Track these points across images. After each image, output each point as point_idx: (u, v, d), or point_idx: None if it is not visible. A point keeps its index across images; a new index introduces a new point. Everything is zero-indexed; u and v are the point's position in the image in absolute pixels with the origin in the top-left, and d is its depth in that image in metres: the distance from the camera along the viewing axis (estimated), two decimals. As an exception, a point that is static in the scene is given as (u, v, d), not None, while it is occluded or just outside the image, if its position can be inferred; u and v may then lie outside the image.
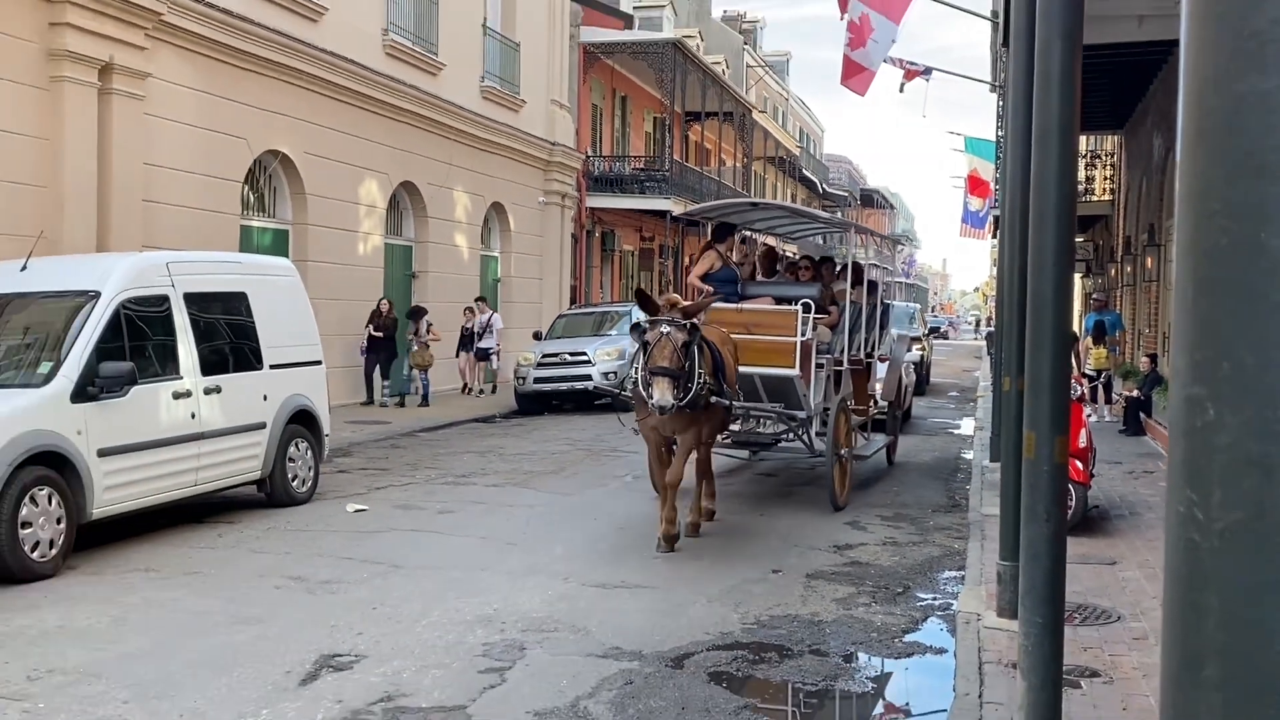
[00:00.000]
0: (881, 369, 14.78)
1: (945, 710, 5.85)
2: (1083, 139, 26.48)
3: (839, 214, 61.39)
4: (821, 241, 21.89)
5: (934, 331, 31.98)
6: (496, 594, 7.86)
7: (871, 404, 14.15)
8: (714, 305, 11.00)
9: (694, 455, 10.17)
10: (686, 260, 26.63)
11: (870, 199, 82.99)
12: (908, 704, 6.38)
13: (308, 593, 7.98)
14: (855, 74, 19.06)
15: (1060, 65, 4.09)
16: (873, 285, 14.20)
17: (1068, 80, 4.09)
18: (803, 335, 10.91)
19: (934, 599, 8.35)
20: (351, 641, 6.86)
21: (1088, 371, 18.95)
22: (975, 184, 38.13)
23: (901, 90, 24.79)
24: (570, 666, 6.49)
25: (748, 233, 14.51)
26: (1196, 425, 0.96)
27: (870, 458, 13.49)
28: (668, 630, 7.23)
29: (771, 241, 16.09)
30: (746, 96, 43.36)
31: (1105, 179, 27.85)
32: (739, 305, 11.59)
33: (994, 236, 29.73)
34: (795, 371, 10.84)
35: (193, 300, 10.25)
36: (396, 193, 21.27)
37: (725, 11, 56.91)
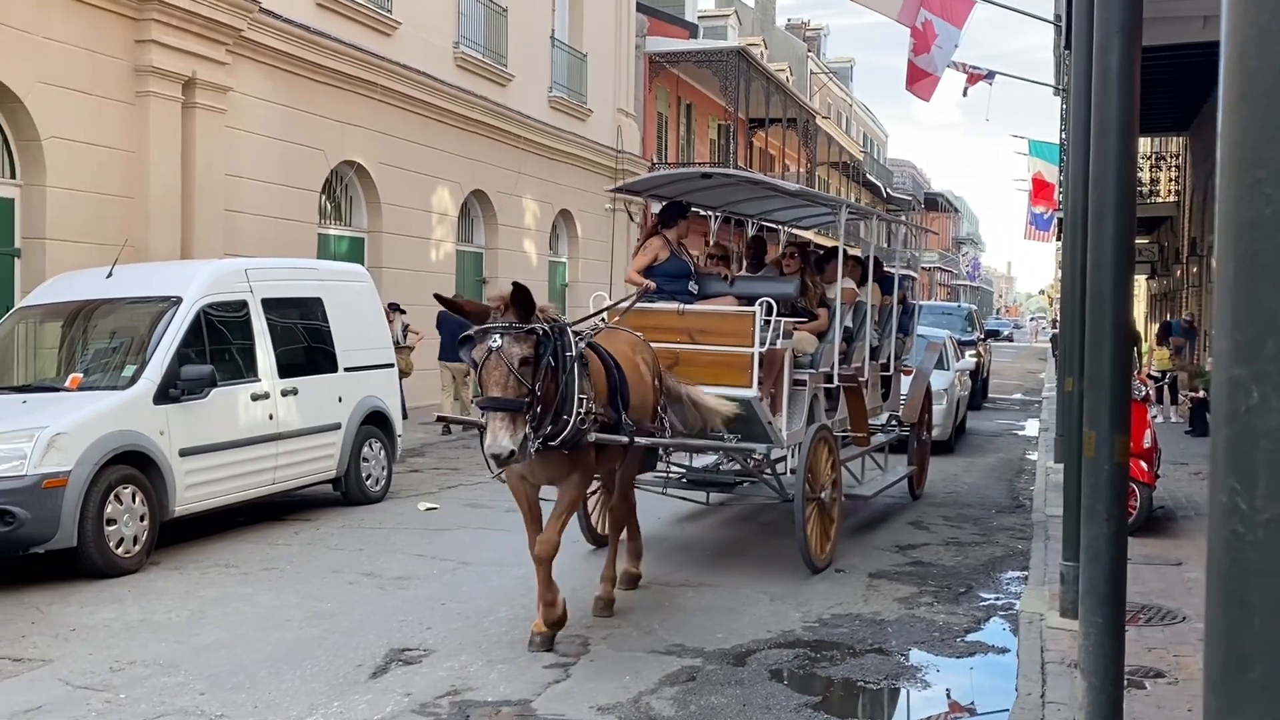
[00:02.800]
0: (904, 383, 12.27)
1: (1007, 710, 5.73)
2: (1147, 141, 25.92)
3: (903, 217, 60.49)
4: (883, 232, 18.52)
5: (993, 335, 30.66)
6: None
7: (892, 424, 11.75)
8: (649, 307, 8.67)
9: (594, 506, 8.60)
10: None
11: (934, 203, 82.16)
12: (971, 703, 6.26)
13: (379, 589, 8.02)
14: (920, 79, 18.87)
15: (1119, 63, 3.99)
16: (887, 281, 11.52)
17: (1126, 78, 3.99)
18: (762, 344, 8.19)
19: (997, 599, 8.21)
20: (420, 636, 6.89)
21: (1152, 373, 18.56)
22: (1039, 187, 37.55)
23: (965, 94, 24.47)
24: (633, 663, 6.46)
25: (721, 216, 11.37)
26: (1239, 409, 0.89)
27: (875, 497, 10.56)
28: (729, 628, 7.17)
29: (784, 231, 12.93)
30: (810, 103, 43.09)
31: (1170, 180, 27.28)
32: (679, 307, 8.57)
33: (1058, 239, 29.22)
34: (752, 392, 8.12)
35: (270, 305, 10.37)
36: (467, 200, 21.41)
37: (789, 20, 56.68)
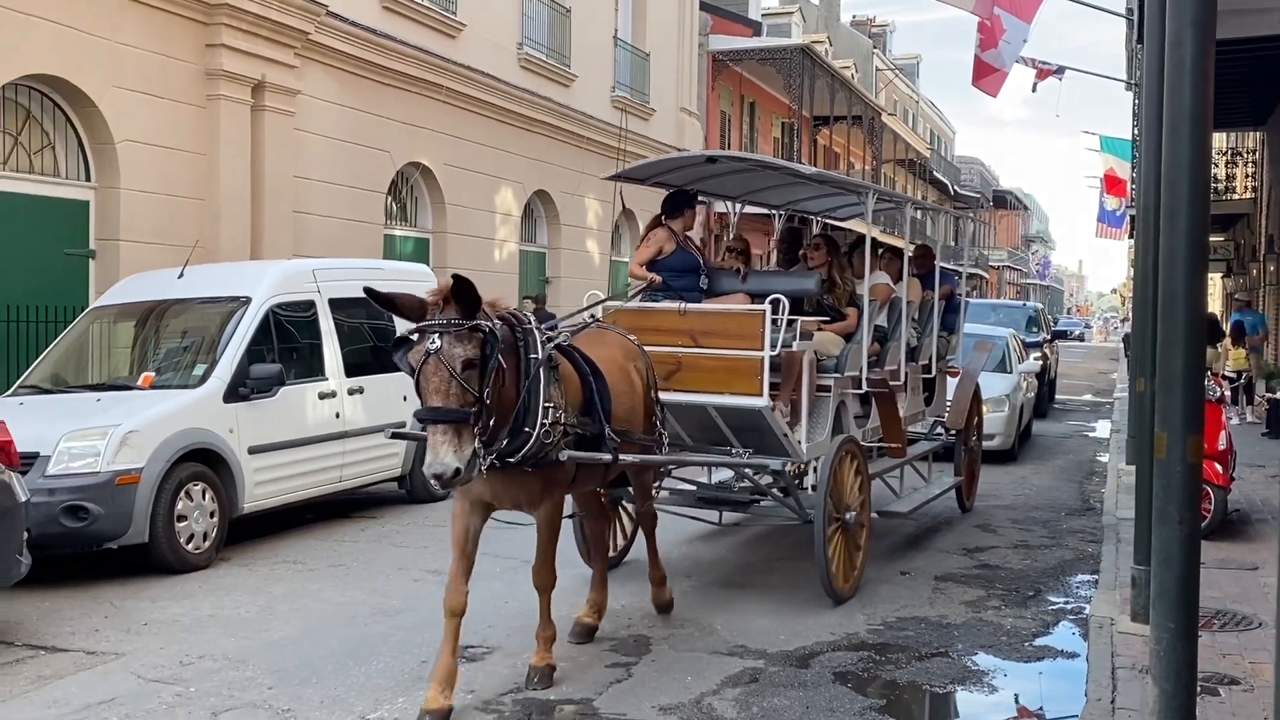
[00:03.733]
0: (951, 386, 11.32)
1: (1076, 715, 5.65)
2: (1223, 137, 25.35)
3: (971, 214, 59.62)
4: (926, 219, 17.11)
5: (1061, 336, 29.83)
6: (624, 590, 7.86)
7: (938, 430, 10.98)
8: (648, 307, 7.87)
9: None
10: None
11: (1003, 200, 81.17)
12: (1040, 708, 6.18)
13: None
14: (987, 74, 18.68)
15: (1192, 56, 3.92)
16: (929, 275, 10.53)
17: (1199, 71, 3.92)
18: (773, 347, 7.23)
19: (1066, 603, 8.09)
20: (484, 634, 6.93)
21: (1227, 373, 18.16)
22: (1112, 183, 36.92)
23: (1034, 90, 24.19)
24: (695, 663, 6.45)
25: (742, 208, 10.34)
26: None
27: (913, 513, 9.56)
28: (792, 630, 7.14)
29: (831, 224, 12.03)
30: (876, 100, 42.74)
31: (1247, 177, 26.71)
32: (681, 306, 7.61)
33: (1130, 236, 28.70)
34: (762, 401, 7.19)
35: (337, 305, 10.50)
36: (531, 201, 21.50)
37: (854, 16, 56.25)
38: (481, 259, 19.43)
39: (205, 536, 8.79)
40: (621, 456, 6.16)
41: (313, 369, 10.11)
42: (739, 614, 7.45)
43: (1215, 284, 37.27)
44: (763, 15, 38.95)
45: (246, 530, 9.60)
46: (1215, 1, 3.96)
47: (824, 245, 8.85)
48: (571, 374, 5.95)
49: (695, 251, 8.39)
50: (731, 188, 9.82)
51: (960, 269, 12.92)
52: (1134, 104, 21.17)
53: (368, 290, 5.17)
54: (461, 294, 4.99)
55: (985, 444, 14.16)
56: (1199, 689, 4.00)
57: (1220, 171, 25.86)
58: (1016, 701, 6.18)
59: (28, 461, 7.71)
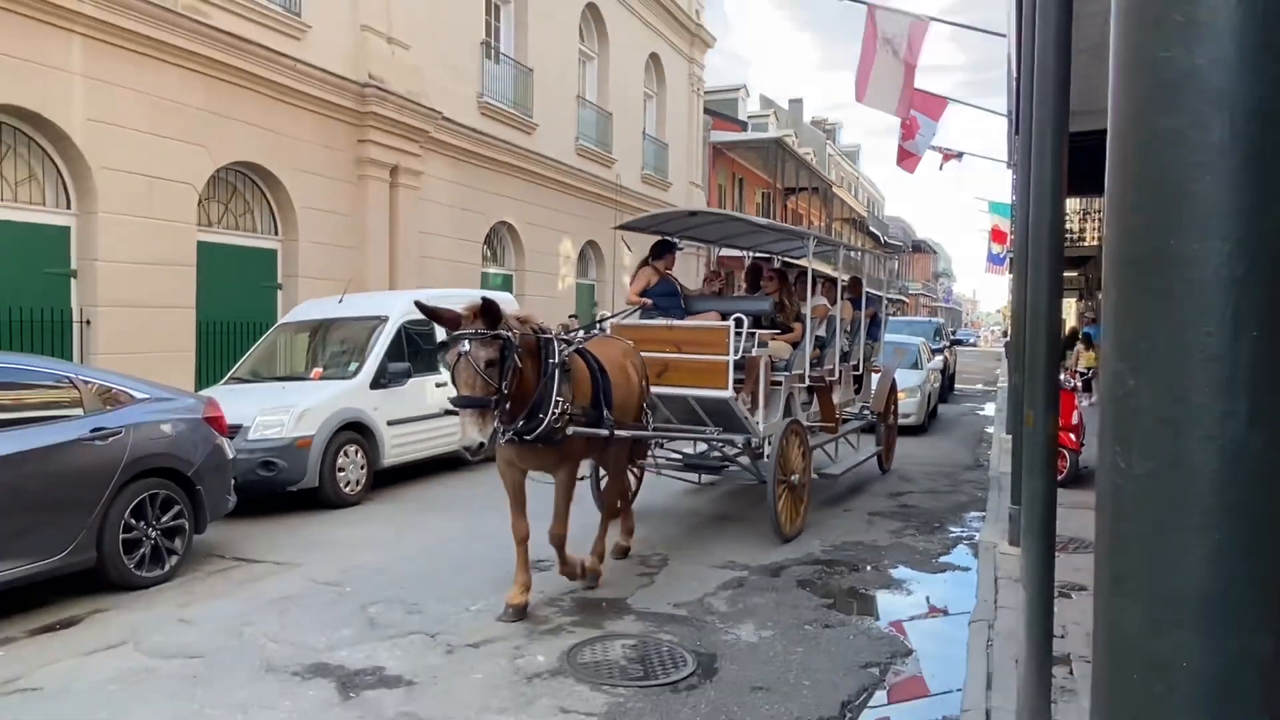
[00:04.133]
0: (866, 379, 10.85)
1: (970, 611, 5.61)
2: (1076, 200, 25.06)
3: (891, 254, 59.03)
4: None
5: (958, 343, 29.63)
6: (648, 523, 7.86)
7: (865, 412, 10.48)
8: (644, 323, 7.72)
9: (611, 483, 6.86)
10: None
11: (919, 246, 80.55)
12: (945, 606, 6.14)
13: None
14: (906, 158, 18.58)
15: (1051, 144, 3.88)
16: (857, 298, 10.25)
17: (1056, 154, 3.87)
18: (737, 353, 7.16)
19: (963, 532, 8.02)
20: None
21: (1079, 369, 17.96)
22: (996, 234, 36.40)
23: (941, 169, 23.96)
24: (698, 574, 6.44)
25: (719, 248, 10.28)
26: (1119, 393, 0.87)
27: (844, 475, 9.19)
28: (767, 551, 7.11)
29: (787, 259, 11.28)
30: (828, 175, 42.47)
31: (1094, 228, 26.36)
32: (669, 322, 7.57)
33: (1010, 273, 28.44)
34: (727, 393, 7.07)
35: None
36: (584, 247, 21.52)
37: (813, 117, 55.90)
38: (548, 289, 19.49)
39: (358, 482, 8.86)
40: (617, 432, 5.87)
41: (431, 366, 10.15)
42: (729, 540, 7.44)
43: (1070, 306, 36.91)
44: (748, 117, 38.79)
45: (386, 479, 9.66)
46: (1068, 105, 3.91)
47: (776, 277, 8.62)
48: (584, 372, 5.65)
49: (673, 280, 8.30)
50: (711, 234, 9.68)
51: (883, 295, 12.60)
52: (1012, 177, 20.94)
53: (418, 304, 5.01)
54: (486, 311, 4.78)
55: (902, 421, 14.11)
56: (1056, 593, 3.96)
57: (1074, 225, 25.57)
58: (928, 601, 6.15)
59: (234, 430, 7.80)
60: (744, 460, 7.95)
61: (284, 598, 5.83)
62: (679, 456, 8.48)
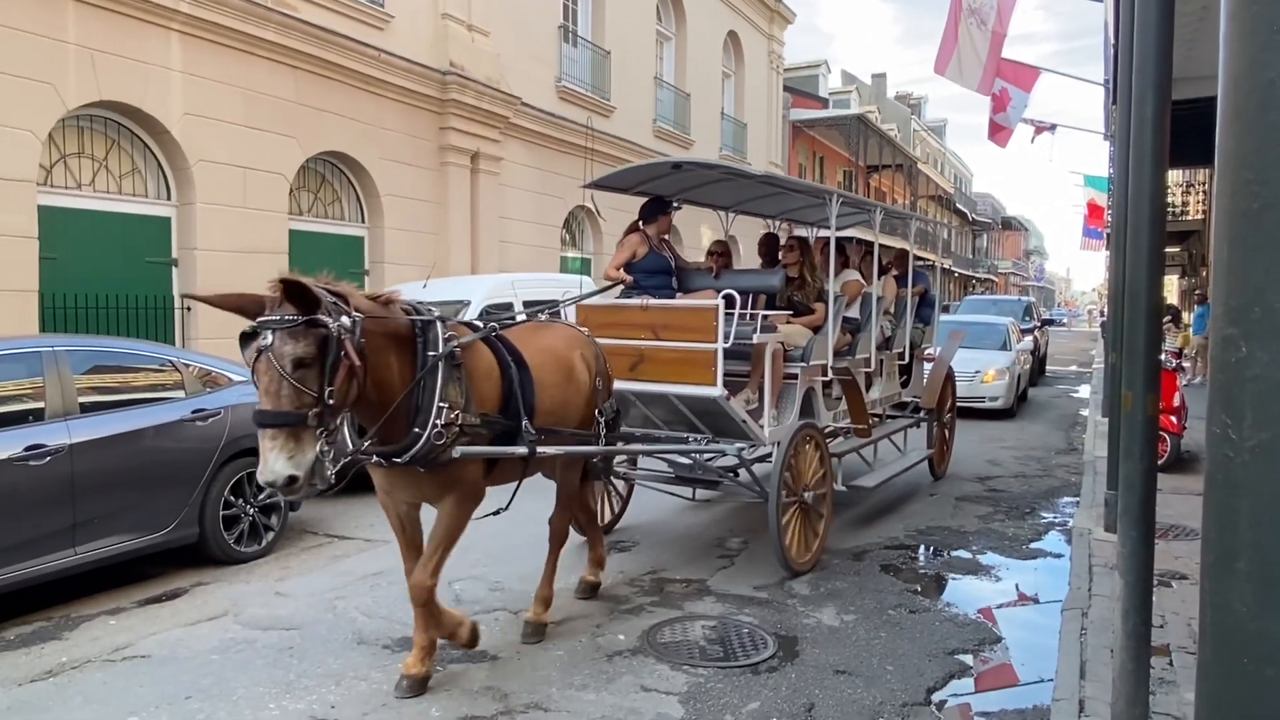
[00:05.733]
0: (916, 369, 9.22)
1: (1061, 600, 5.43)
2: (1178, 172, 23.92)
3: (985, 238, 57.11)
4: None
5: (1049, 323, 28.55)
6: (724, 508, 7.84)
7: (917, 410, 8.97)
8: (613, 303, 6.21)
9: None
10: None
11: (1009, 223, 78.16)
12: (1035, 593, 5.97)
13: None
14: (998, 132, 18.08)
15: (1153, 113, 3.69)
16: (901, 273, 8.88)
17: (1159, 124, 3.69)
18: (726, 340, 5.62)
19: (1054, 518, 7.78)
20: (631, 534, 6.99)
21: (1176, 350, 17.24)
22: (1092, 209, 35.05)
23: (1033, 142, 23.07)
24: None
25: (734, 214, 8.12)
26: (1231, 361, 0.82)
27: (880, 487, 7.62)
28: (849, 534, 7.02)
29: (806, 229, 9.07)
30: (913, 152, 41.42)
31: (1198, 202, 25.10)
32: (644, 302, 5.97)
33: (1107, 249, 27.30)
34: (716, 390, 5.58)
35: (527, 304, 10.63)
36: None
37: (897, 91, 54.54)
38: (629, 272, 19.51)
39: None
40: (543, 449, 4.41)
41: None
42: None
43: (1172, 283, 35.33)
44: (829, 94, 38.09)
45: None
46: (1170, 71, 3.72)
47: (796, 247, 7.16)
48: (486, 368, 4.23)
49: (668, 254, 6.66)
50: (718, 196, 7.80)
51: (931, 266, 11.09)
52: (1109, 149, 20.07)
53: (189, 295, 3.56)
54: (292, 294, 3.36)
55: (989, 404, 13.82)
56: (1155, 582, 3.81)
57: (1176, 199, 24.41)
58: (1017, 588, 5.98)
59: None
60: (744, 472, 6.40)
61: (374, 573, 6.01)
62: (669, 467, 6.86)
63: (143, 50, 9.54)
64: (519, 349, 4.46)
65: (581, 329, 5.40)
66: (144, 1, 9.39)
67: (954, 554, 6.59)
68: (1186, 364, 17.08)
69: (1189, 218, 25.19)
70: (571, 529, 5.62)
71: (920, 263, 9.86)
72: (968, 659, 4.70)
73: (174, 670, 4.45)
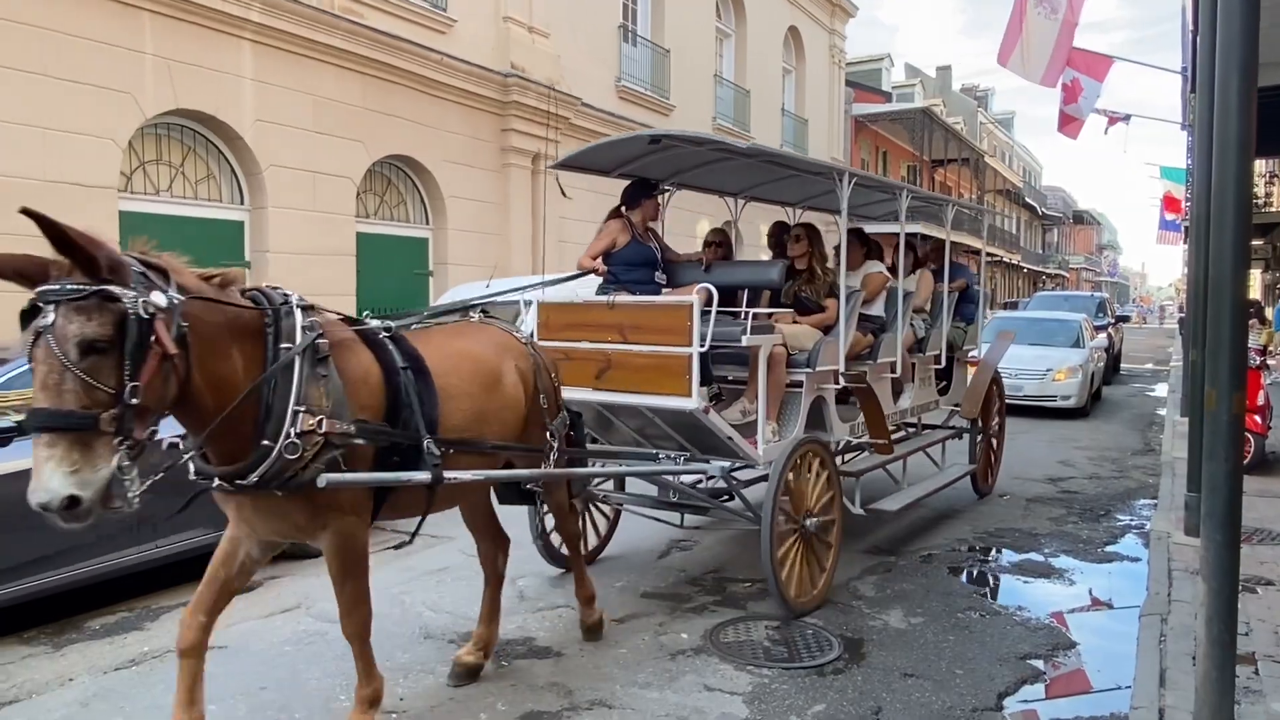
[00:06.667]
0: (957, 374, 8.21)
1: (1138, 606, 5.27)
2: (1263, 161, 22.99)
3: (1055, 233, 55.47)
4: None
5: (1124, 319, 27.56)
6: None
7: (958, 419, 7.97)
8: (574, 301, 5.35)
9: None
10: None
11: (1080, 217, 76.01)
12: (1110, 598, 5.80)
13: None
14: (1068, 123, 17.60)
15: (1238, 96, 3.55)
16: (938, 267, 7.82)
17: (1244, 110, 3.55)
18: (703, 343, 4.72)
19: (1131, 520, 7.54)
20: (694, 535, 6.98)
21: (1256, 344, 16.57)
22: (1169, 202, 33.90)
23: (1106, 133, 22.39)
24: (844, 558, 6.29)
25: (744, 200, 7.37)
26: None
27: (901, 511, 6.53)
28: (917, 537, 6.92)
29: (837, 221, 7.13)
30: (980, 145, 40.55)
31: (1286, 193, 24.06)
32: (610, 300, 5.12)
33: (1185, 242, 26.33)
34: (692, 402, 4.75)
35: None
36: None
37: (963, 84, 53.47)
38: (689, 270, 19.48)
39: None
40: (454, 474, 3.50)
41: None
42: (879, 525, 7.22)
43: (1255, 278, 34.02)
44: (893, 87, 37.53)
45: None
46: (1256, 55, 3.58)
47: (805, 235, 6.19)
48: (362, 371, 3.34)
49: (653, 243, 5.81)
50: (728, 181, 7.01)
51: (974, 254, 9.80)
52: (1187, 139, 19.37)
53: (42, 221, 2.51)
54: (72, 250, 2.51)
55: (1062, 403, 13.48)
56: (1240, 588, 3.67)
57: (1260, 189, 23.44)
58: (1091, 593, 5.82)
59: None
60: (729, 494, 5.67)
61: (440, 569, 6.10)
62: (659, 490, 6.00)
63: (216, 59, 9.85)
64: (420, 352, 3.60)
65: (518, 333, 4.41)
66: (217, 12, 9.69)
67: (1025, 556, 6.43)
68: (1272, 361, 16.43)
69: (1273, 210, 24.17)
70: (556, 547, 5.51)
71: (969, 251, 9.13)
72: (1040, 664, 4.59)
73: (249, 661, 4.59)
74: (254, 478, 3.04)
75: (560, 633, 4.96)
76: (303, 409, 3.07)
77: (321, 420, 3.09)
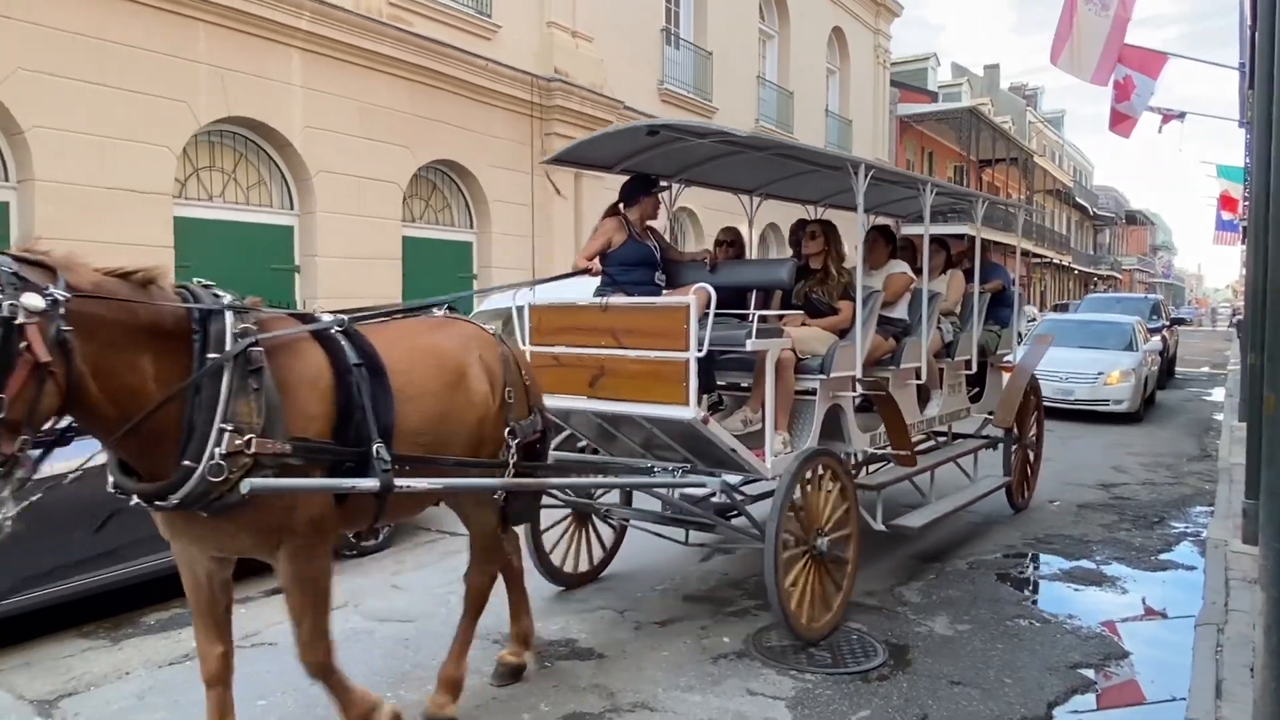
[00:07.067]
0: (992, 382, 7.71)
1: (1194, 615, 5.14)
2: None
3: (1107, 233, 54.20)
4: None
5: (1180, 322, 26.86)
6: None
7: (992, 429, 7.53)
8: (574, 303, 4.96)
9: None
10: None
11: (1133, 218, 74.35)
12: (1164, 607, 5.66)
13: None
14: (1121, 121, 17.21)
15: (1298, 93, 3.46)
16: (971, 267, 7.33)
17: (1305, 105, 3.45)
18: (701, 348, 4.36)
19: (1186, 528, 7.37)
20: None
21: None
22: (1226, 201, 32.92)
23: (1160, 131, 21.88)
24: (891, 565, 6.26)
25: (760, 198, 7.11)
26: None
27: (923, 528, 5.98)
28: (964, 543, 6.82)
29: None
30: (1028, 145, 39.90)
31: (1349, 191, 23.29)
32: (603, 302, 4.78)
33: (1243, 242, 25.62)
34: (689, 411, 4.38)
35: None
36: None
37: (1011, 83, 52.66)
38: (731, 273, 19.43)
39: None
40: (407, 483, 3.15)
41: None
42: (922, 533, 7.14)
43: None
44: (939, 87, 37.09)
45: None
46: (1318, 49, 3.48)
47: (820, 233, 5.76)
48: (311, 376, 3.04)
49: (652, 242, 5.40)
50: (743, 177, 6.67)
51: (1017, 248, 9.07)
52: (1246, 137, 18.84)
53: None
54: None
55: (1114, 407, 13.21)
56: (1302, 598, 3.57)
57: (1323, 188, 22.73)
58: (1144, 601, 5.69)
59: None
60: (729, 514, 5.30)
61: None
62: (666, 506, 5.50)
63: (267, 67, 10.07)
64: (377, 349, 3.30)
65: (491, 330, 4.05)
66: (268, 21, 9.91)
67: (1076, 564, 6.32)
68: None
69: (1338, 208, 23.40)
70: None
71: (1022, 254, 8.36)
72: (1091, 674, 4.51)
73: (298, 658, 4.68)
74: (175, 499, 2.74)
75: (602, 635, 4.98)
76: (229, 427, 2.74)
77: (251, 440, 2.76)
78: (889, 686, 4.29)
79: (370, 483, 3.05)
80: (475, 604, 4.07)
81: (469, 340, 3.82)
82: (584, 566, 5.81)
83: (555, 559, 5.63)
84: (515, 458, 3.78)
